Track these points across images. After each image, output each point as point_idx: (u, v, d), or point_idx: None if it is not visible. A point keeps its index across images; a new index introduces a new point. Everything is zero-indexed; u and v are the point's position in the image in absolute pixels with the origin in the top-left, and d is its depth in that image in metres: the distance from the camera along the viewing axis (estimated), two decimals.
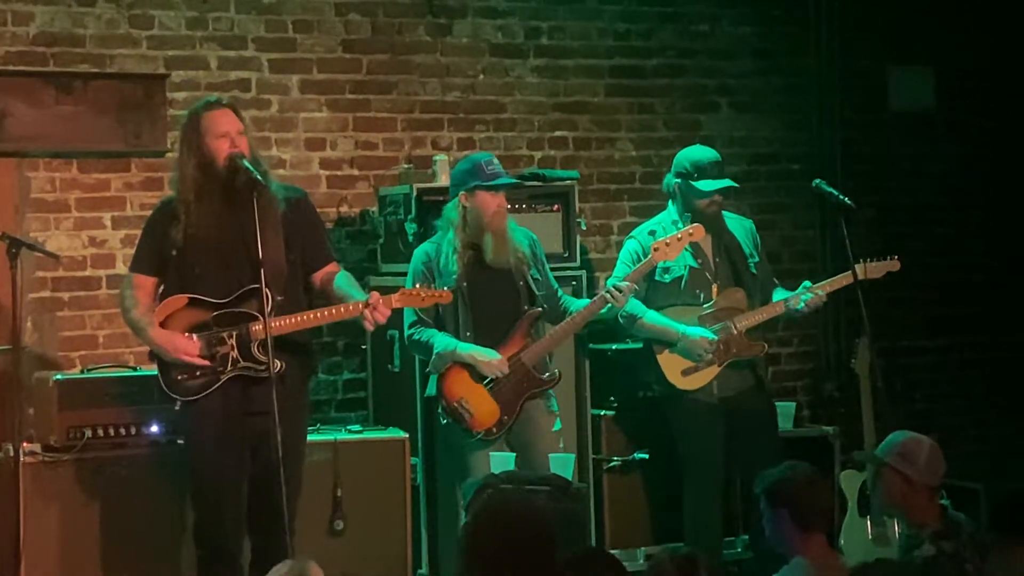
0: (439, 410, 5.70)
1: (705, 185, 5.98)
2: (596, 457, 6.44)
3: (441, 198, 6.20)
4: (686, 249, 5.93)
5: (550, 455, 5.56)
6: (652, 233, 6.00)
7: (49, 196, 6.34)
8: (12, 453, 5.43)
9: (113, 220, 6.41)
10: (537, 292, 5.77)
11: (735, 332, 5.98)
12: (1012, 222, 8.07)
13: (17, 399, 5.38)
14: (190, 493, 5.27)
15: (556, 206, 6.48)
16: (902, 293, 7.53)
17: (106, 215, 6.42)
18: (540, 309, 5.74)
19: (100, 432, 5.65)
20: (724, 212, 6.16)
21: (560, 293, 5.93)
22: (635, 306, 5.94)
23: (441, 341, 5.61)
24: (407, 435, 6.03)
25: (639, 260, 5.95)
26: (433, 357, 5.64)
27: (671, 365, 5.98)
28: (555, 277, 6.02)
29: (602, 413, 6.51)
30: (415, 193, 6.26)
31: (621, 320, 5.99)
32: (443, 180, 6.42)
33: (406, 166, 6.72)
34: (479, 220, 5.66)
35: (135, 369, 5.98)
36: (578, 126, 7.31)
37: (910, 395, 7.74)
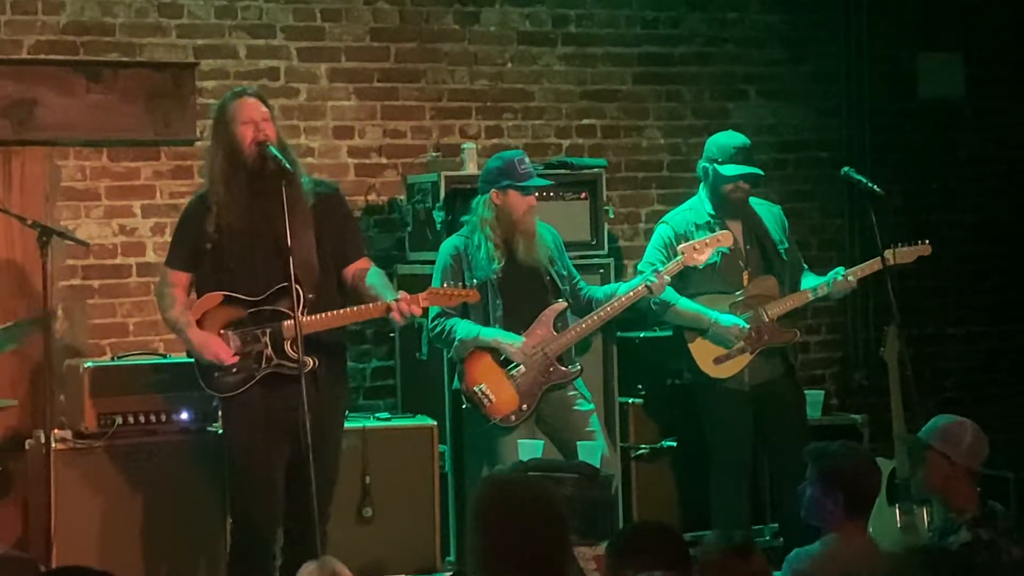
0: (461, 395, 5.72)
1: (728, 170, 5.98)
2: (624, 445, 6.44)
3: (469, 186, 6.21)
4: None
5: (578, 443, 5.57)
6: (684, 235, 5.98)
7: (79, 184, 6.37)
8: (43, 440, 5.46)
9: (143, 208, 6.44)
10: (561, 287, 5.78)
11: (766, 319, 5.97)
12: None
13: (48, 386, 5.41)
14: (228, 485, 5.33)
15: (584, 194, 6.48)
16: (931, 281, 7.51)
17: (136, 203, 6.44)
18: (565, 303, 5.75)
19: (131, 419, 5.69)
20: (752, 199, 6.15)
21: (581, 283, 5.93)
22: (667, 292, 5.94)
23: (463, 328, 5.62)
24: (435, 423, 6.06)
25: (670, 245, 5.96)
26: (456, 344, 5.64)
27: (703, 353, 5.99)
28: (583, 265, 6.03)
29: (630, 401, 6.51)
30: (443, 181, 6.27)
31: (653, 306, 5.99)
32: (471, 168, 6.43)
33: (434, 154, 6.73)
34: (510, 219, 5.67)
35: (165, 356, 6.02)
36: (606, 114, 7.30)
37: (939, 383, 7.71)
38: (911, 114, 7.90)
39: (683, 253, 5.79)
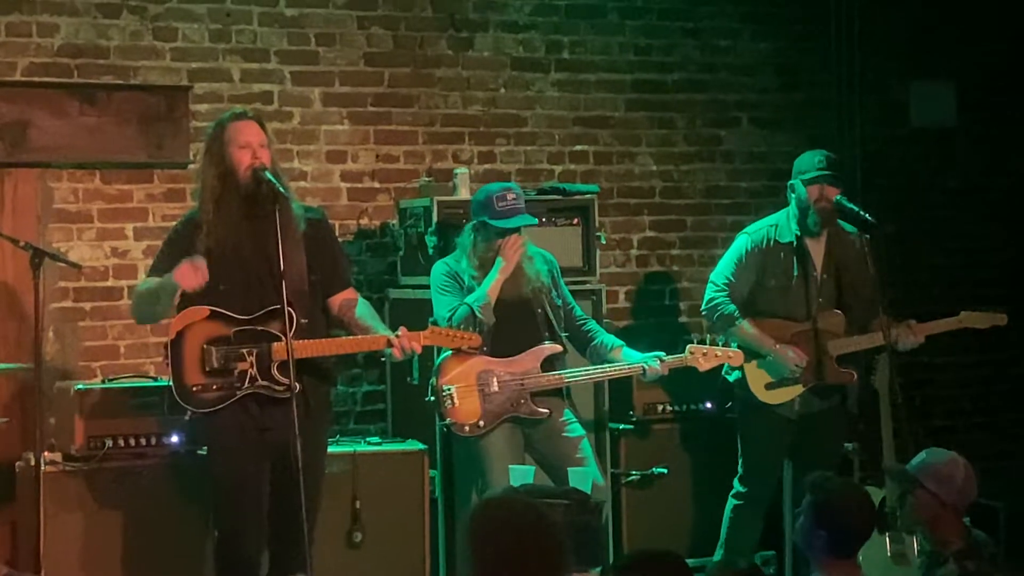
0: (429, 387, 5.71)
1: (808, 175, 5.93)
2: (614, 471, 6.44)
3: (461, 211, 6.23)
4: (792, 260, 5.92)
5: (569, 469, 5.56)
6: (763, 248, 5.95)
7: (72, 206, 6.37)
8: (33, 462, 5.46)
9: (135, 231, 6.44)
10: (555, 321, 5.76)
11: (827, 356, 5.93)
12: None
13: (39, 409, 5.40)
14: (211, 507, 5.27)
15: (576, 220, 6.48)
16: (922, 309, 7.50)
17: (128, 226, 6.45)
18: (561, 348, 5.74)
19: (121, 442, 5.68)
20: (844, 224, 6.06)
21: (582, 316, 5.91)
22: (735, 309, 5.92)
23: (471, 299, 5.58)
24: (426, 447, 6.05)
25: (745, 258, 5.96)
26: (478, 314, 5.56)
27: (757, 376, 5.94)
28: (574, 292, 6.02)
29: (620, 427, 6.51)
30: (435, 206, 6.27)
31: (716, 320, 5.96)
32: (463, 193, 6.44)
33: (426, 179, 6.74)
34: (488, 252, 5.66)
35: (156, 379, 6.00)
36: (599, 140, 7.32)
37: (929, 412, 7.72)
38: (903, 141, 7.93)
39: (691, 353, 5.75)
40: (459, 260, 5.74)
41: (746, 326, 5.92)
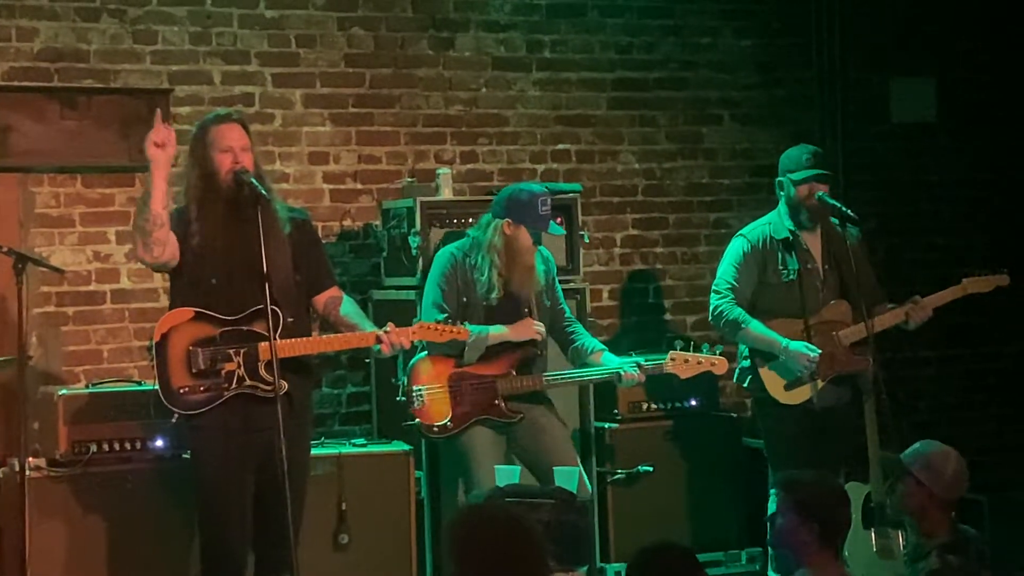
0: (400, 386, 5.72)
1: (797, 175, 5.95)
2: (600, 470, 6.44)
3: (444, 211, 6.23)
4: (790, 255, 5.92)
5: (555, 468, 5.56)
6: (760, 250, 5.94)
7: (53, 211, 6.36)
8: (17, 468, 5.44)
9: (117, 235, 6.42)
10: (540, 320, 5.75)
11: (839, 346, 5.92)
12: (1014, 232, 8.08)
13: (22, 414, 5.38)
14: (196, 510, 5.23)
15: (559, 219, 6.46)
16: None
17: (110, 230, 6.43)
18: (539, 352, 5.74)
19: (105, 447, 5.67)
20: (834, 219, 6.04)
21: (569, 317, 5.91)
22: (739, 313, 5.90)
23: (473, 329, 5.57)
24: (411, 448, 6.05)
25: (744, 259, 5.94)
26: (470, 341, 5.55)
27: (773, 379, 5.91)
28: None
29: (606, 426, 6.52)
30: (418, 207, 6.27)
31: (723, 327, 5.94)
32: (446, 193, 6.44)
33: (409, 180, 6.74)
34: (515, 252, 5.66)
35: (139, 384, 5.99)
36: (581, 139, 7.32)
37: (913, 406, 7.74)
38: (884, 137, 7.95)
39: (673, 359, 5.73)
40: (469, 254, 5.71)
41: (753, 329, 5.89)
